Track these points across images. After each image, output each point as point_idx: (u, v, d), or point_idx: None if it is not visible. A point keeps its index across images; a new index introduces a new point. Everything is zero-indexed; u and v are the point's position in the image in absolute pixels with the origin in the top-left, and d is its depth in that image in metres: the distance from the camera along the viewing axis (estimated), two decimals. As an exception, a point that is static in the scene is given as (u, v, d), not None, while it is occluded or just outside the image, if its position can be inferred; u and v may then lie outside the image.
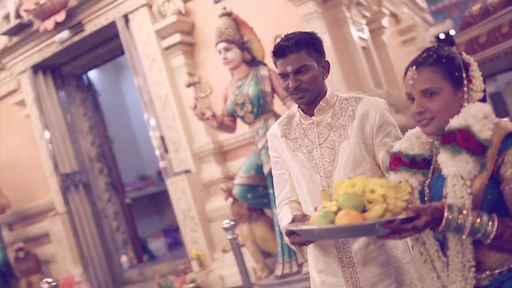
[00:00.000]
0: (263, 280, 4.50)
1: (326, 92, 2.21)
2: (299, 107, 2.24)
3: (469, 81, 1.72)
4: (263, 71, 4.45)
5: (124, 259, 6.33)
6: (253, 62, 4.49)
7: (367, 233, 1.74)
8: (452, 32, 11.97)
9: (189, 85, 4.64)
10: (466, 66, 1.73)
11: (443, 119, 1.70)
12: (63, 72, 6.53)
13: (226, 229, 4.04)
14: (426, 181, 1.78)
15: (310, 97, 2.13)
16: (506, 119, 1.77)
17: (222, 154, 5.41)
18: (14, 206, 6.91)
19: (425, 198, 1.76)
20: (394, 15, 7.54)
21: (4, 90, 6.84)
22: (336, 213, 1.67)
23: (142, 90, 5.49)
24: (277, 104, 4.52)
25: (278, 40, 2.18)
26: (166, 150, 5.44)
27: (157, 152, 5.49)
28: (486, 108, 1.67)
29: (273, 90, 4.44)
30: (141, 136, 8.17)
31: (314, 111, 2.19)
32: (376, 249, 2.08)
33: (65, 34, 5.79)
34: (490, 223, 1.57)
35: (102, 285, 6.16)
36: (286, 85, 2.12)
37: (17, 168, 7.05)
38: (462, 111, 1.68)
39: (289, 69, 2.10)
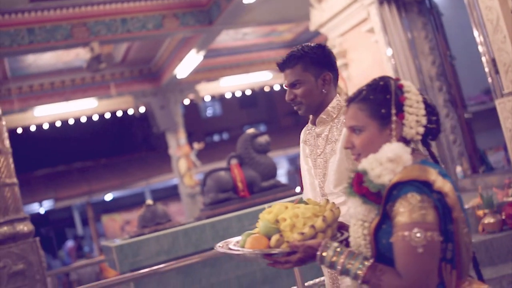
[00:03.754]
0: None
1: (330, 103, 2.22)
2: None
3: (401, 117, 1.66)
4: None
5: (458, 169, 6.95)
6: None
7: (255, 261, 1.67)
8: None
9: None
10: (399, 101, 1.67)
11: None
12: (405, 0, 7.23)
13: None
14: None
15: (306, 110, 2.22)
16: (426, 163, 1.61)
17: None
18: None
19: None
20: None
21: (356, 19, 7.92)
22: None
23: (473, 13, 5.84)
24: None
25: None
26: (496, 71, 5.74)
27: (487, 73, 5.84)
28: (398, 149, 1.58)
29: None
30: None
31: (316, 122, 2.25)
32: None
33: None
34: (360, 267, 1.55)
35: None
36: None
37: (368, 86, 8.18)
38: (379, 151, 1.62)
39: (285, 83, 2.22)
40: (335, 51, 8.53)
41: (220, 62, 12.99)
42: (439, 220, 1.49)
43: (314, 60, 2.17)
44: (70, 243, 17.75)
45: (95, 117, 13.04)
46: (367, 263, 1.55)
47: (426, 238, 1.45)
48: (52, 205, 17.57)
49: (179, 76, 12.03)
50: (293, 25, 11.86)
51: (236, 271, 4.54)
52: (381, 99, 1.67)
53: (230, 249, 1.82)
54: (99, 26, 8.78)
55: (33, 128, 12.56)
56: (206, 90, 14.00)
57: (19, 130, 12.31)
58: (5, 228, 4.44)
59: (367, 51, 7.97)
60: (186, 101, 14.09)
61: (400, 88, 1.68)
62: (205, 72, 13.09)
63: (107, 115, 13.38)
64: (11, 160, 4.70)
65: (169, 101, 13.03)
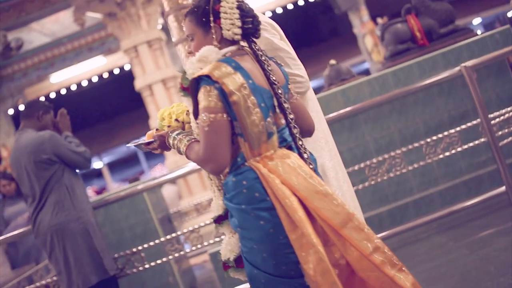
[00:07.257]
0: None
1: None
2: None
3: (219, 23, 2.00)
4: None
5: None
6: None
7: (143, 149, 2.26)
8: None
9: None
10: (215, 10, 2.00)
11: None
12: None
13: None
14: None
15: None
16: (225, 61, 1.91)
17: None
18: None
19: None
20: None
21: None
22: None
23: None
24: None
25: None
26: None
27: None
28: (205, 51, 1.96)
29: None
30: None
31: None
32: None
33: None
34: (185, 145, 2.00)
35: None
36: None
37: None
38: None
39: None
40: None
41: None
42: (223, 105, 1.87)
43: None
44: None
45: (279, 10, 13.45)
46: (187, 143, 2.01)
47: (210, 119, 1.84)
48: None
49: (353, -48, 11.88)
50: None
51: (423, 116, 4.76)
52: (202, 9, 2.03)
53: (132, 142, 2.36)
54: None
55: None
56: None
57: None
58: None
59: None
60: (365, -23, 13.75)
61: (219, 1, 2.02)
62: None
63: (290, 6, 13.65)
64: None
65: (347, -21, 12.93)
